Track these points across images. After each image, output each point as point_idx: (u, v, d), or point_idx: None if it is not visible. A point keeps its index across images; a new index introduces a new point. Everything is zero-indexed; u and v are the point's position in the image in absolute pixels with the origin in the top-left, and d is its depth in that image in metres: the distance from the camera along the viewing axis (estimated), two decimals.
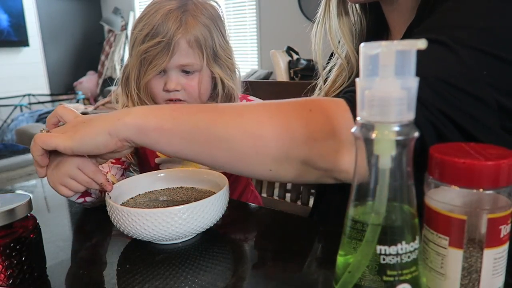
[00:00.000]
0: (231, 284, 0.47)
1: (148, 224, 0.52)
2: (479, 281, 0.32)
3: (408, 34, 0.60)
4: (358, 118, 0.30)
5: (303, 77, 3.07)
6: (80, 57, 4.89)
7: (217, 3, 0.83)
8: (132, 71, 0.79)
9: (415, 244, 0.31)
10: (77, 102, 4.66)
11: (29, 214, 0.49)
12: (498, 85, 0.45)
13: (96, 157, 0.55)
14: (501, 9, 0.47)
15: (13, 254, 0.46)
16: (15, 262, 0.46)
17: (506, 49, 0.45)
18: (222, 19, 0.82)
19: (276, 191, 1.28)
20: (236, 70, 0.84)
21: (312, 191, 0.96)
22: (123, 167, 0.81)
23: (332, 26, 0.71)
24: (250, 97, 0.90)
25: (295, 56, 3.30)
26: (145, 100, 0.80)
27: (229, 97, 0.83)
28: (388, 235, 0.30)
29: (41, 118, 3.92)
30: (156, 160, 0.82)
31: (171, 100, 0.78)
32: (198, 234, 0.58)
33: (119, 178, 0.79)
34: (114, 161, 0.80)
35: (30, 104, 4.53)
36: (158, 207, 0.59)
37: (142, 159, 0.87)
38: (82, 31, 4.93)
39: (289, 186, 1.27)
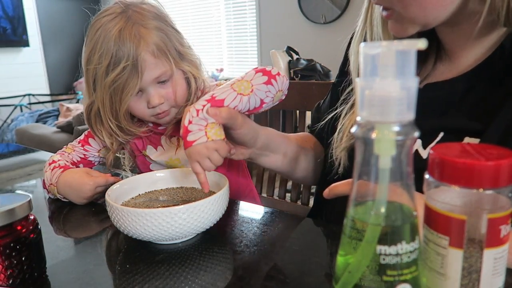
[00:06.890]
0: (231, 284, 0.47)
1: (148, 224, 0.52)
2: (479, 281, 0.32)
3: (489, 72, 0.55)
4: (358, 118, 0.30)
5: (303, 77, 3.07)
6: (80, 57, 4.88)
7: None
8: (102, 106, 0.74)
9: (415, 244, 0.31)
10: (77, 102, 4.66)
11: (29, 214, 0.49)
12: None
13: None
14: None
15: (13, 254, 0.46)
16: (15, 262, 0.46)
17: None
18: (165, 12, 0.77)
19: (276, 191, 1.28)
20: (197, 60, 0.79)
21: (312, 191, 0.96)
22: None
23: (373, 34, 0.63)
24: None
25: (295, 56, 3.29)
26: (126, 128, 0.77)
27: (203, 91, 0.78)
28: (388, 235, 0.30)
29: (41, 118, 3.91)
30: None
31: (158, 114, 0.75)
32: (198, 234, 0.58)
33: None
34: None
35: (30, 104, 4.53)
36: (158, 207, 0.59)
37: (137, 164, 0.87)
38: (82, 31, 4.90)
39: (289, 186, 1.27)
